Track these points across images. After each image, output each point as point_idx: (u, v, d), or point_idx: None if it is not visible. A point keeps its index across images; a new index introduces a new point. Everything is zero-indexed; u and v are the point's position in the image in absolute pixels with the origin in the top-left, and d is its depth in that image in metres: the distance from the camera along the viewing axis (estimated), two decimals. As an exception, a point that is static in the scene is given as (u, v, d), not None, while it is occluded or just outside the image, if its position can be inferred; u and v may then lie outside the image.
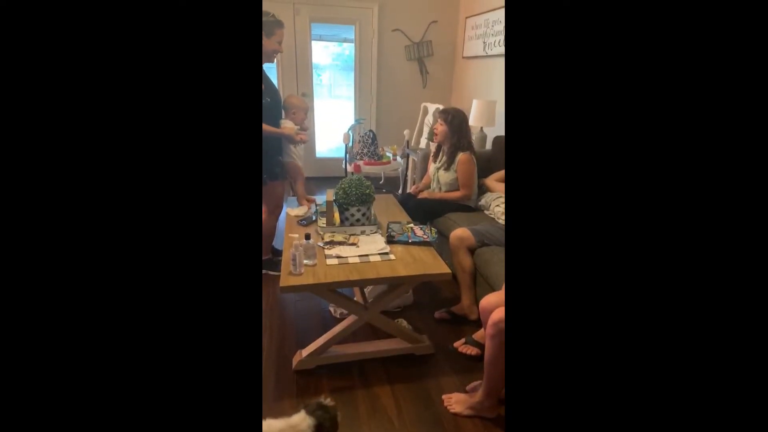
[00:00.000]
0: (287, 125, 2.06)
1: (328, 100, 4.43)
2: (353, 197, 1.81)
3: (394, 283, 1.59)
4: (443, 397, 1.51)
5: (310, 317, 1.99)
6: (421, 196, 2.40)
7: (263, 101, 1.95)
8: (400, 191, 3.80)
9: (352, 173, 3.29)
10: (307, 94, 4.03)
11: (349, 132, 3.48)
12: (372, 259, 1.62)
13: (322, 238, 1.76)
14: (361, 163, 3.37)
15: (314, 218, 1.98)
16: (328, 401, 1.22)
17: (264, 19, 1.90)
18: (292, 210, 2.12)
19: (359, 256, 1.63)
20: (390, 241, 1.76)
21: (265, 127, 1.95)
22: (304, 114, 2.13)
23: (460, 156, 2.26)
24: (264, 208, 2.20)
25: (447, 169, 2.30)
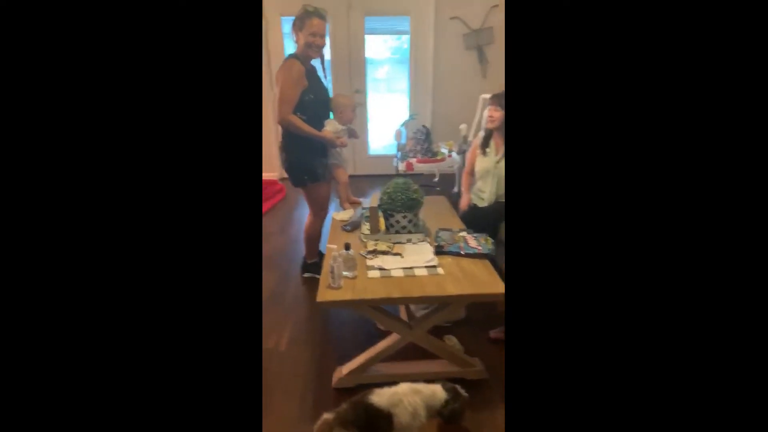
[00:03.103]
0: (331, 127, 1.93)
1: (386, 94, 4.29)
2: (399, 203, 1.64)
3: (441, 302, 1.40)
4: None
5: (354, 328, 1.86)
6: None
7: (306, 98, 1.84)
8: (456, 189, 3.55)
9: (404, 172, 3.11)
10: (361, 90, 3.91)
11: (401, 129, 3.30)
12: (417, 272, 1.46)
13: (365, 246, 1.62)
14: (413, 161, 3.19)
15: (361, 223, 1.85)
16: (463, 392, 1.26)
17: (299, 13, 1.78)
18: (338, 214, 2.00)
19: (403, 268, 1.48)
20: (439, 251, 1.58)
21: (306, 128, 1.85)
22: (351, 113, 1.99)
23: None
24: (309, 210, 2.12)
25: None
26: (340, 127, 1.96)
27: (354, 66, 3.84)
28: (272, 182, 3.77)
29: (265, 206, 3.27)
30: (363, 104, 3.96)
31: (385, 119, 4.21)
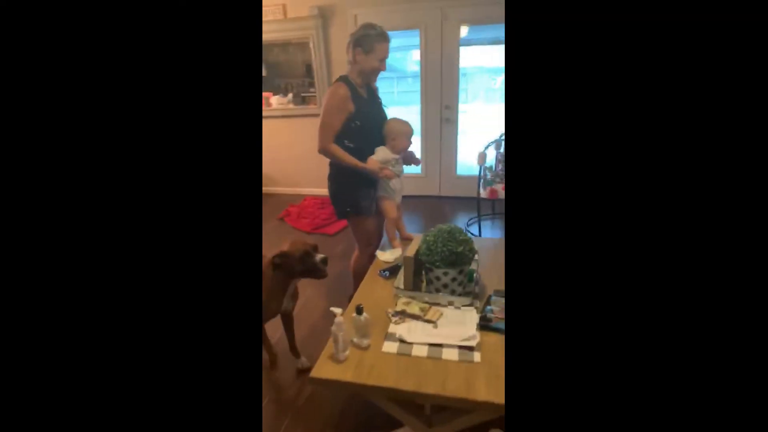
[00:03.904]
0: (381, 155, 1.66)
1: (500, 104, 4.12)
2: (438, 256, 1.30)
3: (464, 408, 1.03)
4: None
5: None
6: None
7: (353, 124, 1.61)
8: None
9: (488, 199, 2.68)
10: (450, 107, 3.56)
11: (486, 150, 2.87)
12: (446, 354, 1.11)
13: (395, 304, 1.32)
14: (499, 187, 2.73)
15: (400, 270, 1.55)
16: None
17: (365, 32, 1.56)
18: (382, 253, 1.73)
19: (430, 345, 1.14)
20: (484, 325, 1.19)
21: (346, 158, 1.62)
22: (406, 140, 1.70)
23: None
24: (356, 245, 1.89)
25: None
26: (391, 155, 1.68)
27: (446, 80, 3.51)
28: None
29: (334, 228, 3.16)
30: (453, 121, 3.60)
31: (481, 135, 3.77)
